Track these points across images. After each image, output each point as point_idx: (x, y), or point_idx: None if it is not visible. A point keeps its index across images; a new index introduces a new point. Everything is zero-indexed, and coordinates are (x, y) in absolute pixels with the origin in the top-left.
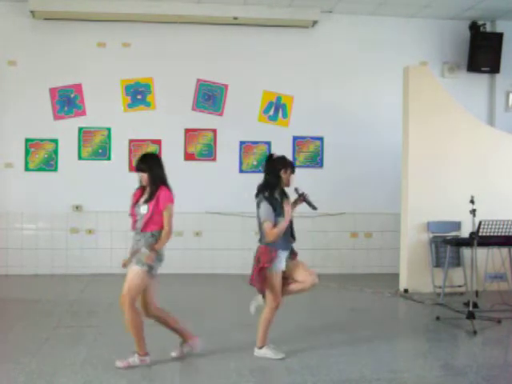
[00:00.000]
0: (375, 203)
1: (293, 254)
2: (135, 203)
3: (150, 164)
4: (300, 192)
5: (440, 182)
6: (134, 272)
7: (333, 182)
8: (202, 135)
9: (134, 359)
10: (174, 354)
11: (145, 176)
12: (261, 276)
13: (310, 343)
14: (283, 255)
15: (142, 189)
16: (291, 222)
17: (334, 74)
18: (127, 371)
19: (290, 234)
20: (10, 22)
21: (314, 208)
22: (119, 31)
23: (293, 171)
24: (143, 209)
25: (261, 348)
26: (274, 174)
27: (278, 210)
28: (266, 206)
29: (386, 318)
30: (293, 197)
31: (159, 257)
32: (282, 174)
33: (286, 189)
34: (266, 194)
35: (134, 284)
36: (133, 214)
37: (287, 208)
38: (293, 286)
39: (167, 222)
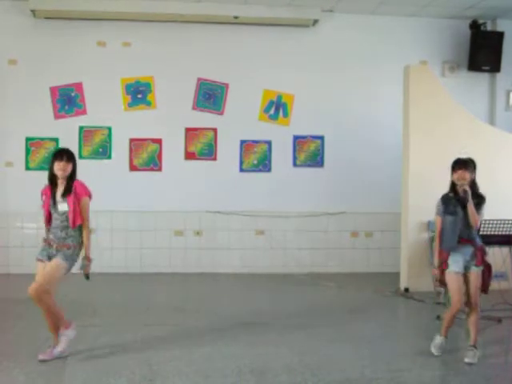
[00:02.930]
0: (376, 202)
1: (477, 261)
2: (50, 200)
3: (74, 157)
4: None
5: (440, 181)
6: (57, 264)
7: (333, 181)
8: (202, 134)
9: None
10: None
11: (69, 168)
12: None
13: (311, 343)
14: (454, 256)
15: (51, 186)
16: (461, 221)
17: (335, 73)
18: (127, 371)
19: (456, 234)
20: (11, 21)
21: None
22: (119, 30)
23: (456, 168)
24: (63, 206)
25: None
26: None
27: (448, 209)
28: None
29: (386, 317)
30: None
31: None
32: (453, 175)
33: None
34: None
35: (55, 277)
36: (47, 211)
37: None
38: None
39: (86, 217)
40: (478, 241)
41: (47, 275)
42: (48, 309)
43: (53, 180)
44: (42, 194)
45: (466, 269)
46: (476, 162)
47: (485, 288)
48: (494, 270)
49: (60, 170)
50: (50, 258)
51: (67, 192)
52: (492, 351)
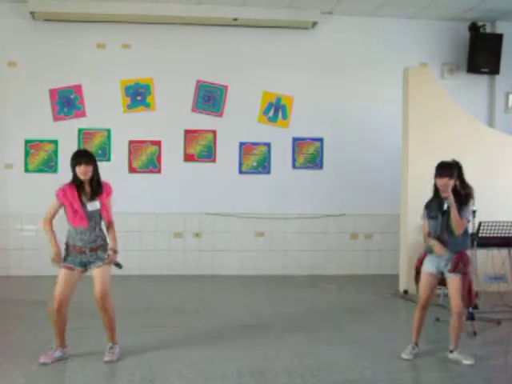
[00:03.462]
0: (375, 204)
1: (451, 267)
2: (80, 200)
3: (94, 157)
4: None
5: None
6: (106, 270)
7: (333, 183)
8: (201, 136)
9: (114, 350)
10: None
11: (90, 169)
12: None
13: (310, 344)
14: (429, 257)
15: (73, 185)
16: (440, 226)
17: (334, 75)
18: (127, 373)
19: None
20: (10, 23)
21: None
22: (119, 32)
23: (439, 175)
24: (94, 205)
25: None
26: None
27: (431, 213)
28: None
29: (385, 319)
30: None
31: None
32: (437, 180)
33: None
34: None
35: (109, 281)
36: (73, 210)
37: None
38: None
39: (111, 213)
40: (463, 246)
41: (104, 281)
42: (110, 316)
43: (78, 182)
44: (59, 196)
45: (442, 273)
46: (460, 163)
47: (465, 299)
48: (493, 271)
49: (82, 174)
50: (84, 264)
51: (98, 192)
52: (492, 353)
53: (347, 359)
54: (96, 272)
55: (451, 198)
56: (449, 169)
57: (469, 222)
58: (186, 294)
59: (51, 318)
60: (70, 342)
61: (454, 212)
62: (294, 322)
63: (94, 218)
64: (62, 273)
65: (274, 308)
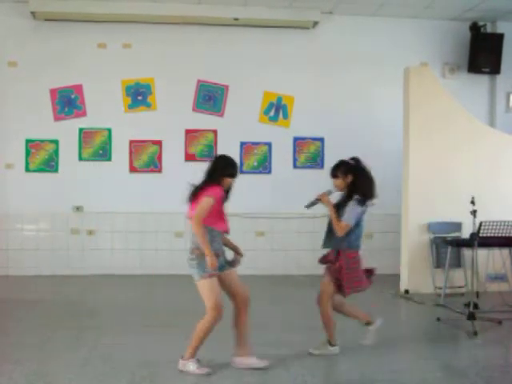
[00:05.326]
0: (376, 204)
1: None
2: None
3: None
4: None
5: (441, 183)
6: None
7: None
8: (202, 136)
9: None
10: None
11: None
12: None
13: (311, 344)
14: None
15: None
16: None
17: (335, 75)
18: (127, 373)
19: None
20: (11, 23)
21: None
22: (120, 32)
23: (332, 176)
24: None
25: None
26: None
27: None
28: None
29: (386, 318)
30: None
31: None
32: None
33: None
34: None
35: None
36: (223, 214)
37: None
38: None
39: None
40: (338, 246)
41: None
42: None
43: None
44: (218, 197)
45: None
46: (358, 159)
47: (342, 290)
48: (493, 271)
49: (228, 185)
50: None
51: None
52: (492, 353)
53: (348, 359)
54: (233, 274)
55: (324, 200)
56: (334, 168)
57: (349, 226)
58: (187, 293)
59: (208, 331)
60: (70, 342)
61: (330, 212)
62: (293, 321)
63: None
64: (210, 281)
65: (274, 308)
